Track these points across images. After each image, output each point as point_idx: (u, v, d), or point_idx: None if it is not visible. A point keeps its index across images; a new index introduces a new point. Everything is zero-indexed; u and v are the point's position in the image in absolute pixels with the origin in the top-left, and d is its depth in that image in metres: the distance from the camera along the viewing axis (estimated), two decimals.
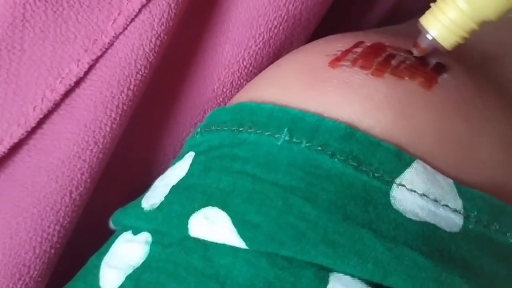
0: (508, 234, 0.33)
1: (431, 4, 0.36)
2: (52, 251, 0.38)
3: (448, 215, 0.32)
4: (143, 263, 0.33)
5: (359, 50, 0.36)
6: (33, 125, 0.37)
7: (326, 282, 0.30)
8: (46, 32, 0.36)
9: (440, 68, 0.36)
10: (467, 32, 0.35)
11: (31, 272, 0.37)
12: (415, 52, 0.36)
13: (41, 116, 0.37)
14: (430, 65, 0.36)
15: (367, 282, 0.30)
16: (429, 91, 0.34)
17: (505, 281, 0.32)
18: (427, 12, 0.36)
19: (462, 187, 0.32)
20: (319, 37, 0.39)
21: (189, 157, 0.36)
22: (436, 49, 0.36)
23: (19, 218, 0.37)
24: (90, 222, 0.40)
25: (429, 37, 0.35)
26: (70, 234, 0.39)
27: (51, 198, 0.37)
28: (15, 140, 0.37)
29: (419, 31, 0.36)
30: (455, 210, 0.32)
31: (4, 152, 0.37)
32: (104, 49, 0.37)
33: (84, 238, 0.39)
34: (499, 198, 0.33)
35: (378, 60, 0.35)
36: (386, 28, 0.44)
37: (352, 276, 0.30)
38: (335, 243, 0.30)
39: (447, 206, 0.32)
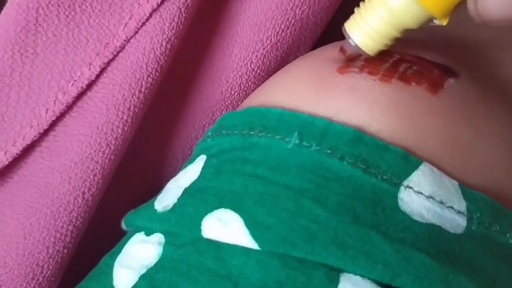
0: (508, 235, 0.33)
1: (355, 9, 0.36)
2: (65, 251, 0.38)
3: (452, 216, 0.32)
4: (156, 263, 0.34)
5: (367, 56, 0.36)
6: (46, 127, 0.37)
7: (337, 282, 0.30)
8: (58, 36, 0.37)
9: (446, 74, 0.36)
10: (389, 40, 0.35)
11: (44, 272, 0.38)
12: (338, 56, 0.36)
13: (53, 118, 0.37)
14: (436, 70, 0.36)
15: (376, 282, 0.30)
16: (435, 96, 0.35)
17: (507, 280, 0.32)
18: (351, 17, 0.36)
19: (466, 189, 0.33)
20: (326, 41, 0.40)
21: (200, 160, 0.37)
22: (359, 54, 0.36)
23: (32, 219, 0.37)
24: (102, 223, 0.41)
25: (352, 43, 0.35)
26: (82, 234, 0.39)
27: (64, 199, 0.37)
28: (28, 142, 0.37)
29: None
30: (459, 212, 0.33)
31: (17, 154, 0.38)
32: (115, 53, 0.37)
33: (96, 238, 0.40)
34: (502, 201, 0.34)
35: (385, 66, 0.35)
36: None
37: (362, 276, 0.30)
38: (345, 244, 0.31)
39: (452, 208, 0.32)
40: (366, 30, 0.35)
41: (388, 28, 0.34)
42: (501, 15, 0.31)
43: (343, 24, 0.36)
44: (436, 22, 0.34)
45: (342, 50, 0.36)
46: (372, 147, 0.33)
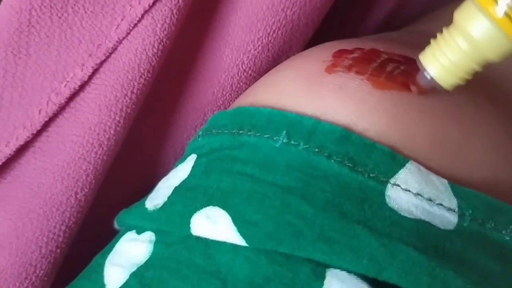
0: (503, 232, 0.33)
1: (431, 40, 0.34)
2: (58, 251, 0.38)
3: (442, 213, 0.33)
4: (146, 261, 0.34)
5: (355, 56, 0.36)
6: (39, 128, 0.38)
7: (323, 277, 0.30)
8: (51, 37, 0.37)
9: None
10: (468, 74, 0.33)
11: (37, 272, 0.38)
12: (413, 90, 0.34)
13: (46, 119, 0.38)
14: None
15: (363, 277, 0.31)
16: (423, 96, 0.35)
17: (500, 277, 0.32)
18: (426, 49, 0.34)
19: (457, 186, 0.33)
20: (318, 43, 0.40)
21: (191, 160, 0.37)
22: (434, 88, 0.34)
23: (25, 219, 0.37)
24: (95, 222, 0.41)
25: (428, 76, 0.34)
26: (75, 234, 0.39)
27: (57, 199, 0.38)
28: (21, 143, 0.38)
29: (417, 69, 0.34)
30: (449, 209, 0.33)
31: (10, 154, 0.38)
32: (107, 54, 0.38)
33: (89, 238, 0.40)
34: None
35: (373, 65, 0.36)
36: (381, 34, 0.44)
37: (348, 271, 0.31)
38: (331, 239, 0.31)
39: (441, 205, 0.33)
40: (443, 63, 0.33)
41: (469, 61, 0.32)
42: None
43: (417, 56, 0.34)
44: None
45: (415, 83, 0.34)
46: (359, 146, 0.33)
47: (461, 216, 0.33)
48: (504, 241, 0.33)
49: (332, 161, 0.33)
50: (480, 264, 0.32)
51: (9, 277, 0.37)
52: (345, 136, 0.33)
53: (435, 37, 0.34)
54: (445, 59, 0.33)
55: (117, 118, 0.38)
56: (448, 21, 0.34)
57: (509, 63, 0.38)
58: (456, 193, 0.33)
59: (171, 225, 0.34)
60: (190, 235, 0.33)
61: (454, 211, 0.33)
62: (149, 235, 0.35)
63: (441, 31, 0.33)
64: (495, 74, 0.40)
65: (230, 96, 0.42)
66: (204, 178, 0.35)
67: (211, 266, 0.32)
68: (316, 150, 0.33)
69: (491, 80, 0.40)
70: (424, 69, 0.34)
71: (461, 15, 0.32)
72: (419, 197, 0.32)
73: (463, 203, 0.33)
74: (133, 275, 0.34)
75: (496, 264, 0.33)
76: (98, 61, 0.38)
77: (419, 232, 0.32)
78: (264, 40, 0.41)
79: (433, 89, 0.34)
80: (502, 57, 0.32)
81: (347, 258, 0.30)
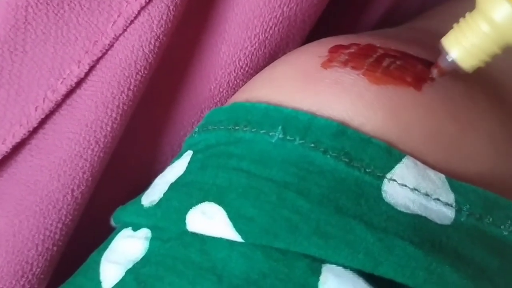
0: (502, 227, 0.33)
1: (454, 25, 0.35)
2: (55, 248, 0.38)
3: (439, 208, 0.32)
4: (143, 257, 0.34)
5: (351, 51, 0.36)
6: (35, 125, 0.37)
7: (319, 272, 0.30)
8: (47, 34, 0.37)
9: (429, 69, 0.36)
10: (489, 56, 0.34)
11: (34, 269, 0.38)
12: (434, 73, 0.35)
13: (42, 116, 0.37)
14: (420, 65, 0.36)
15: (359, 272, 0.30)
16: (419, 91, 0.35)
17: (498, 272, 0.32)
18: (449, 33, 0.35)
19: (455, 181, 0.33)
20: (315, 39, 0.40)
21: (187, 156, 0.37)
22: (455, 70, 0.35)
23: (21, 217, 0.37)
24: (92, 220, 0.41)
25: (449, 59, 0.35)
26: (72, 231, 0.39)
27: (53, 196, 0.37)
28: (17, 140, 0.37)
29: (439, 52, 0.35)
30: (446, 204, 0.33)
31: (6, 152, 0.38)
32: (104, 50, 0.37)
33: (86, 236, 0.40)
34: None
35: (369, 61, 0.36)
36: (378, 31, 0.44)
37: (344, 266, 0.31)
38: (327, 234, 0.31)
39: (438, 199, 0.32)
40: (465, 46, 0.34)
41: (491, 43, 0.33)
42: None
43: (441, 40, 0.35)
44: None
45: (436, 65, 0.35)
46: (355, 141, 0.33)
47: (458, 211, 0.33)
48: (502, 236, 0.33)
49: (328, 156, 0.33)
50: (477, 259, 0.32)
51: (5, 275, 0.37)
52: (341, 131, 0.33)
53: (433, 33, 0.34)
54: (467, 42, 0.34)
55: (114, 115, 0.38)
56: (446, 18, 0.34)
57: (507, 58, 0.38)
58: (453, 188, 0.33)
59: (167, 222, 0.34)
60: (186, 231, 0.33)
61: (451, 206, 0.33)
62: (145, 232, 0.35)
63: (464, 16, 0.35)
64: (492, 69, 0.40)
65: (227, 92, 0.42)
66: (200, 174, 0.35)
67: (207, 262, 0.32)
68: (312, 145, 0.33)
69: (489, 75, 0.40)
70: (446, 52, 0.35)
71: (483, 1, 0.34)
72: (416, 192, 0.32)
73: (460, 198, 0.33)
74: (129, 271, 0.34)
75: (493, 259, 0.33)
76: (95, 58, 0.37)
77: (415, 227, 0.32)
78: (261, 37, 0.41)
79: (453, 71, 0.35)
80: None
81: (343, 253, 0.30)
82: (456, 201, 0.33)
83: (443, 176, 0.33)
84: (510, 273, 0.33)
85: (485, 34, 0.33)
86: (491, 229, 0.33)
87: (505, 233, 0.33)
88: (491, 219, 0.33)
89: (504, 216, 0.33)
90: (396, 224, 0.31)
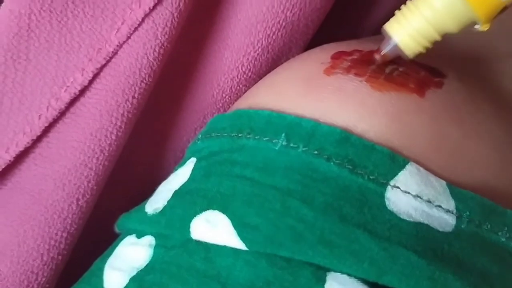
0: (499, 233, 0.33)
1: (396, 11, 0.35)
2: (60, 257, 0.38)
3: (441, 215, 0.32)
4: (147, 265, 0.34)
5: (353, 57, 0.36)
6: (39, 134, 0.37)
7: (323, 281, 0.30)
8: (51, 41, 0.37)
9: (432, 75, 0.36)
10: (429, 42, 0.35)
11: (39, 279, 0.38)
12: (377, 58, 0.36)
13: (46, 124, 0.37)
14: (422, 72, 0.36)
15: (363, 280, 0.30)
16: (422, 97, 0.35)
17: (498, 278, 0.32)
18: (392, 19, 0.36)
19: (455, 188, 0.33)
20: (318, 44, 0.40)
21: (190, 163, 0.37)
22: (397, 55, 0.36)
23: (26, 226, 0.37)
24: (96, 227, 0.41)
25: (392, 44, 0.35)
26: (77, 240, 0.39)
27: (58, 206, 0.37)
28: (21, 149, 0.37)
29: (383, 37, 0.36)
30: (448, 211, 0.33)
31: (10, 161, 0.37)
32: (108, 58, 0.37)
33: (90, 242, 0.40)
34: (493, 199, 0.33)
35: (372, 67, 0.36)
36: (380, 36, 0.44)
37: (349, 275, 0.30)
38: (331, 243, 0.31)
39: (440, 206, 0.32)
40: (407, 30, 0.35)
41: (430, 28, 0.34)
42: None
43: (382, 26, 0.36)
44: (477, 27, 0.34)
45: (378, 51, 0.36)
46: (359, 148, 0.33)
47: (459, 218, 0.33)
48: (500, 242, 0.33)
49: (332, 163, 0.33)
50: (478, 265, 0.32)
51: (10, 285, 0.37)
52: (345, 138, 0.33)
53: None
54: (409, 27, 0.35)
55: (119, 124, 0.38)
56: None
57: (510, 63, 0.38)
58: (453, 194, 0.33)
59: (171, 229, 0.34)
60: (190, 239, 0.33)
61: (452, 213, 0.33)
62: (149, 239, 0.35)
63: (405, 4, 0.35)
64: (495, 73, 0.40)
65: (230, 98, 0.42)
66: (203, 182, 0.35)
67: (212, 270, 0.32)
68: (316, 152, 0.33)
69: (491, 80, 0.40)
70: (389, 37, 0.35)
71: None
72: (419, 199, 0.32)
73: (460, 205, 0.33)
74: (133, 279, 0.34)
75: (493, 265, 0.33)
76: (99, 65, 0.37)
77: (418, 235, 0.32)
78: (264, 42, 0.41)
79: (396, 57, 0.36)
80: (461, 27, 0.34)
81: (348, 262, 0.30)
82: (457, 208, 0.33)
83: (444, 182, 0.33)
84: (509, 278, 0.33)
85: (425, 19, 0.34)
86: (490, 235, 0.33)
87: (503, 239, 0.33)
88: (489, 226, 0.33)
89: (501, 223, 0.33)
90: (399, 233, 0.31)
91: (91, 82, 0.38)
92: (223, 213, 0.33)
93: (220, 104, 0.42)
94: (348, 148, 0.33)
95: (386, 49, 0.36)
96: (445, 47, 0.37)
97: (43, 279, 0.38)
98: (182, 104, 0.43)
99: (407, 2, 0.35)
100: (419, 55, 0.35)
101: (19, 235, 0.37)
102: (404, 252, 0.31)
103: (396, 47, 0.35)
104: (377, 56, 0.36)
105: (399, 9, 0.35)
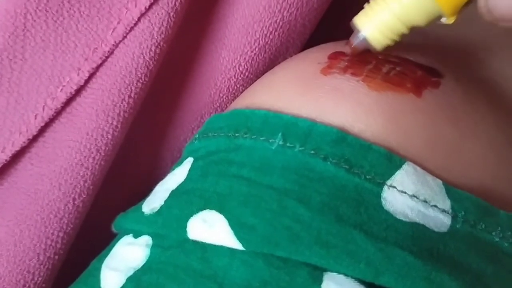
0: (493, 233, 0.33)
1: (365, 5, 0.36)
2: (56, 257, 0.38)
3: (437, 215, 0.32)
4: (143, 265, 0.34)
5: (350, 57, 0.36)
6: (35, 133, 0.37)
7: (320, 281, 0.30)
8: (47, 41, 0.37)
9: (429, 75, 0.36)
10: (397, 35, 0.35)
11: (36, 279, 0.38)
12: (347, 50, 0.36)
13: (42, 124, 0.37)
14: (419, 71, 0.36)
15: (360, 281, 0.30)
16: (419, 97, 0.35)
17: (492, 278, 0.32)
18: (361, 12, 0.36)
19: (451, 187, 0.33)
20: (316, 43, 0.40)
21: (187, 163, 0.37)
22: (366, 48, 0.36)
23: (22, 226, 0.37)
24: (93, 227, 0.41)
25: (361, 37, 0.36)
26: (73, 240, 0.39)
27: (55, 205, 0.37)
28: (17, 148, 0.37)
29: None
30: (443, 211, 0.33)
31: (6, 160, 0.37)
32: (104, 58, 0.37)
33: (86, 242, 0.40)
34: (488, 200, 0.34)
35: (368, 67, 0.36)
36: None
37: (346, 275, 0.30)
38: (328, 243, 0.31)
39: (436, 206, 0.32)
40: (375, 24, 0.35)
41: (398, 22, 0.35)
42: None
43: (348, 22, 0.37)
44: (443, 20, 0.35)
45: (348, 43, 0.36)
46: (355, 147, 0.33)
47: (454, 218, 0.33)
48: (494, 242, 0.33)
49: (328, 163, 0.33)
50: (473, 265, 0.32)
51: (7, 284, 0.37)
52: (341, 137, 0.33)
53: (433, 39, 0.34)
54: (377, 20, 0.35)
55: (115, 123, 0.38)
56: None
57: (508, 62, 0.38)
58: (449, 194, 0.33)
59: (167, 229, 0.34)
60: (187, 239, 0.33)
61: (448, 213, 0.33)
62: (146, 239, 0.35)
63: None
64: (492, 74, 0.40)
65: (227, 98, 0.42)
66: (200, 182, 0.35)
67: (208, 270, 0.32)
68: (312, 152, 0.33)
69: (489, 81, 0.40)
70: (358, 30, 0.36)
71: None
72: (415, 199, 0.32)
73: (456, 205, 0.33)
74: (130, 279, 0.34)
75: (488, 265, 0.33)
76: (94, 65, 0.37)
77: (414, 236, 0.32)
78: (261, 42, 0.41)
79: (365, 50, 0.36)
80: (427, 21, 0.35)
81: (344, 262, 0.30)
82: (452, 207, 0.33)
83: (440, 182, 0.33)
84: (504, 278, 0.33)
85: (393, 13, 0.35)
86: (484, 235, 0.33)
87: (497, 239, 0.33)
88: (483, 226, 0.33)
89: (495, 223, 0.33)
90: (395, 233, 0.31)
91: (87, 81, 0.38)
92: (220, 213, 0.33)
93: (217, 104, 0.42)
94: (345, 148, 0.33)
95: (355, 42, 0.36)
96: (441, 46, 0.37)
97: (40, 278, 0.38)
98: (179, 104, 0.42)
99: None
100: (415, 52, 0.36)
101: (15, 234, 0.37)
102: (400, 253, 0.31)
103: (364, 40, 0.36)
104: (347, 49, 0.36)
105: (368, 2, 0.36)
